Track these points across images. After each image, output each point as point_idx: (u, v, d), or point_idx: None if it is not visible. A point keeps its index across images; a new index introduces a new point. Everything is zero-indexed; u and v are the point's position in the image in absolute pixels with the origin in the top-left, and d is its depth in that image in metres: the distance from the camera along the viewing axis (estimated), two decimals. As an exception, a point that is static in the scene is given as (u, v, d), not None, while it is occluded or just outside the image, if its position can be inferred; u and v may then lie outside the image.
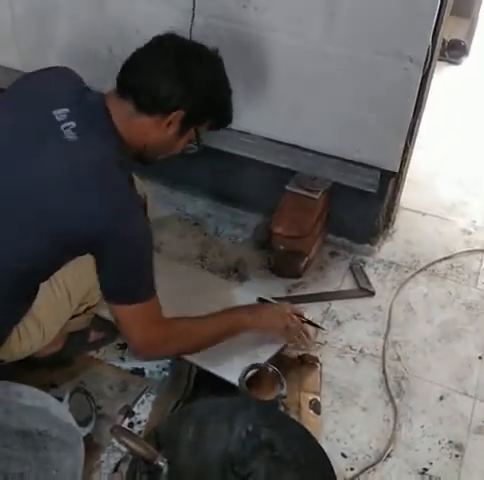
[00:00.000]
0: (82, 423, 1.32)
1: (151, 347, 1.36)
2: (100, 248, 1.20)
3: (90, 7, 1.77)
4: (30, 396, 1.35)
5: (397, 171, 1.78)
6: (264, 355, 1.47)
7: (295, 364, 1.57)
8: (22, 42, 2.02)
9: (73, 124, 1.20)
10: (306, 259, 1.84)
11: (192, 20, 1.73)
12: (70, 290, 1.35)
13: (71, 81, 1.33)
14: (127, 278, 1.25)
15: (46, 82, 1.32)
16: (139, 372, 1.55)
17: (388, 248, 1.99)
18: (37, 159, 1.19)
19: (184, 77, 1.25)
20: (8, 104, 1.30)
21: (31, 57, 2.01)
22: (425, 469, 1.39)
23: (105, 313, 1.56)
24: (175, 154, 1.40)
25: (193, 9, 1.72)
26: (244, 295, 1.69)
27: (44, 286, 1.30)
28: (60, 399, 1.34)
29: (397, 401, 1.52)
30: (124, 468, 1.30)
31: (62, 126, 1.20)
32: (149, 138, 1.29)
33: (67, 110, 1.22)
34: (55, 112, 1.21)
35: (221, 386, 1.44)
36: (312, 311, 1.72)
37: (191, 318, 1.42)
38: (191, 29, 1.75)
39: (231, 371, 1.41)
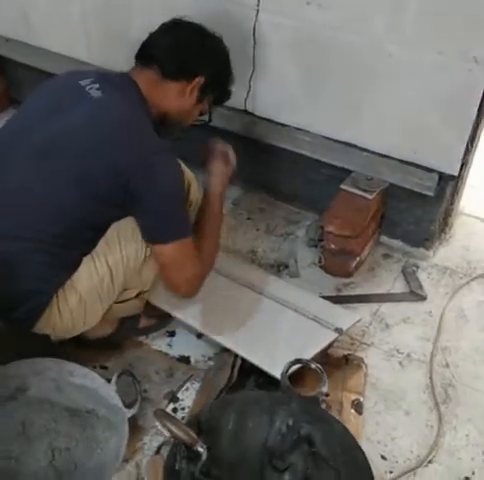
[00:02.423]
0: (128, 405, 1.36)
1: (192, 284, 1.46)
2: (132, 192, 1.29)
3: (161, 3, 1.81)
4: (81, 375, 1.41)
5: (457, 175, 1.74)
6: (308, 352, 1.47)
7: (340, 363, 1.57)
8: (91, 34, 2.10)
9: (97, 85, 1.37)
10: (357, 259, 1.83)
11: (256, 16, 1.75)
12: (112, 268, 1.40)
13: (93, 70, 1.58)
14: (163, 218, 1.34)
15: (72, 74, 1.49)
16: (185, 360, 1.58)
17: (443, 253, 1.95)
18: (67, 116, 1.33)
19: (204, 47, 1.46)
20: (41, 93, 1.45)
21: (99, 49, 2.08)
22: (467, 478, 1.36)
23: (156, 300, 1.61)
24: (187, 125, 1.53)
25: (257, 5, 1.74)
26: (293, 292, 1.70)
27: (86, 261, 1.36)
28: (108, 380, 1.38)
29: (442, 408, 1.49)
30: (165, 451, 1.33)
31: (87, 88, 1.37)
32: (172, 104, 1.44)
33: (92, 79, 1.40)
34: (81, 82, 1.40)
35: (264, 379, 1.46)
36: (361, 312, 1.70)
37: (200, 239, 1.46)
38: (254, 25, 1.77)
39: (274, 365, 1.42)
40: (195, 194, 1.56)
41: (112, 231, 1.38)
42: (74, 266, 1.36)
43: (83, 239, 1.36)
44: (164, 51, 1.43)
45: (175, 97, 1.45)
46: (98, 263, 1.38)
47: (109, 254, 1.38)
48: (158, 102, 1.43)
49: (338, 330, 1.55)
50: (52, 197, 1.32)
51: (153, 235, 1.37)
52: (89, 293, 1.39)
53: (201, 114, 1.57)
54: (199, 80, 1.45)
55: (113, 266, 1.39)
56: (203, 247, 1.46)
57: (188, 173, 1.54)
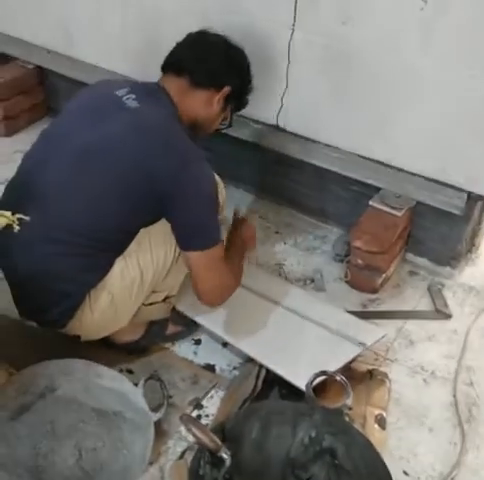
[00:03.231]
0: (154, 409, 1.39)
1: (218, 293, 1.48)
2: (168, 199, 1.34)
3: (195, 18, 1.86)
4: (109, 378, 1.44)
5: (486, 195, 1.76)
6: (332, 365, 1.49)
7: (364, 378, 1.58)
8: (129, 47, 2.16)
9: (133, 96, 1.41)
10: (384, 275, 1.84)
11: (291, 35, 1.79)
12: (143, 269, 1.43)
13: (127, 80, 1.63)
14: (197, 225, 1.38)
15: (107, 83, 1.55)
16: (210, 368, 1.60)
17: (470, 273, 1.95)
18: (106, 125, 1.37)
19: (231, 57, 1.52)
20: (79, 101, 1.51)
21: (136, 62, 2.14)
22: (489, 497, 1.36)
23: (183, 308, 1.64)
24: (212, 132, 1.60)
25: (293, 25, 1.78)
26: (318, 306, 1.72)
27: (118, 262, 1.40)
28: (135, 384, 1.41)
29: (466, 426, 1.49)
30: (189, 456, 1.35)
31: (123, 98, 1.42)
32: (201, 112, 1.50)
33: (127, 89, 1.45)
34: (117, 92, 1.44)
35: (288, 390, 1.47)
36: (386, 328, 1.71)
37: (227, 261, 1.48)
38: (289, 44, 1.81)
39: (299, 376, 1.44)
40: (222, 196, 1.58)
41: (143, 233, 1.41)
42: (107, 267, 1.39)
43: (116, 242, 1.40)
44: (194, 60, 1.48)
45: (204, 105, 1.50)
46: (130, 264, 1.41)
47: (140, 256, 1.42)
48: (188, 110, 1.47)
49: (361, 344, 1.56)
50: (89, 202, 1.36)
51: (187, 242, 1.40)
52: (120, 293, 1.42)
53: (223, 120, 1.61)
54: (227, 89, 1.50)
55: (144, 267, 1.42)
56: (234, 261, 1.52)
57: (217, 180, 1.57)
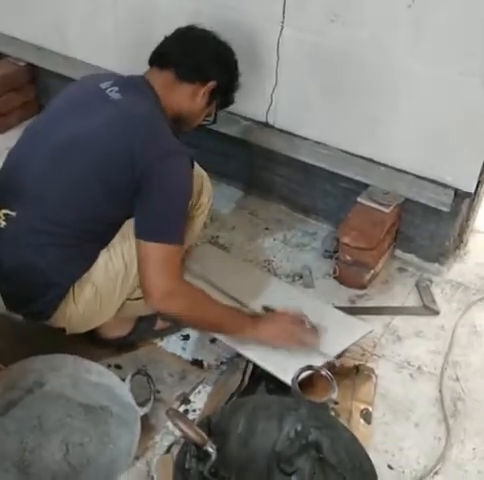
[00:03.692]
0: (141, 404, 1.39)
1: (163, 294, 1.36)
2: (142, 187, 1.33)
3: (187, 14, 1.87)
4: (97, 373, 1.44)
5: (473, 192, 1.76)
6: (320, 359, 1.50)
7: (350, 373, 1.59)
8: (121, 45, 2.16)
9: (116, 88, 1.42)
10: (372, 272, 1.85)
11: (281, 31, 1.80)
12: (127, 261, 1.43)
13: (113, 73, 1.63)
14: (158, 215, 1.35)
15: (92, 77, 1.55)
16: (198, 363, 1.61)
17: (458, 269, 1.97)
18: (89, 117, 1.38)
19: (218, 53, 1.53)
20: (65, 95, 1.52)
21: (128, 59, 2.14)
22: (473, 491, 1.37)
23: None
24: (194, 126, 1.60)
25: (282, 21, 1.79)
26: (306, 301, 1.73)
27: (103, 254, 1.41)
28: (123, 379, 1.42)
29: (451, 421, 1.50)
30: (175, 450, 1.35)
31: (107, 91, 1.43)
32: (185, 105, 1.50)
33: (111, 81, 1.46)
34: (101, 85, 1.45)
35: (275, 385, 1.48)
36: (373, 324, 1.72)
37: (206, 293, 1.45)
38: (279, 41, 1.82)
39: (285, 371, 1.44)
40: (207, 196, 1.59)
41: (128, 225, 1.41)
42: (92, 258, 1.40)
43: (100, 233, 1.41)
44: (180, 53, 1.49)
45: (188, 99, 1.50)
46: (114, 256, 1.42)
47: (125, 248, 1.42)
48: (172, 103, 1.47)
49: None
50: (72, 192, 1.36)
51: (140, 229, 1.37)
52: (104, 285, 1.43)
53: (207, 116, 1.62)
54: (212, 84, 1.50)
55: (128, 260, 1.42)
56: (201, 293, 1.43)
57: (202, 173, 1.59)
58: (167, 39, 1.54)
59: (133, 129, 1.36)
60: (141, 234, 1.37)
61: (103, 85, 1.44)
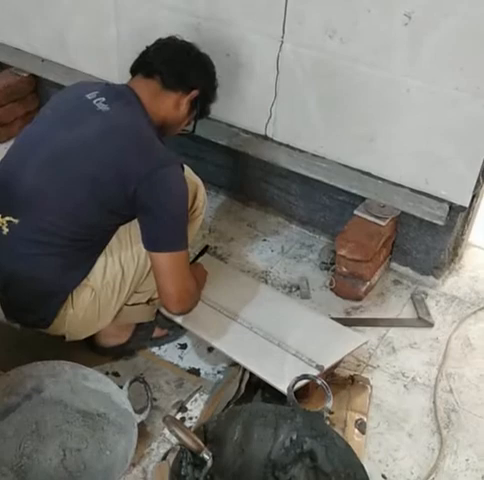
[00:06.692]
0: (138, 411, 1.41)
1: (179, 297, 1.46)
2: (138, 201, 1.35)
3: (187, 29, 1.91)
4: (95, 380, 1.46)
5: (467, 206, 1.79)
6: (316, 369, 1.51)
7: (346, 383, 1.61)
8: (123, 57, 2.19)
9: (103, 98, 1.43)
10: (367, 283, 1.87)
11: (280, 47, 1.84)
12: (124, 265, 1.46)
13: (97, 82, 1.66)
14: (163, 228, 1.38)
15: (78, 86, 1.57)
16: (195, 372, 1.63)
17: (452, 283, 1.99)
18: (77, 129, 1.39)
19: (199, 62, 1.57)
20: (53, 105, 1.53)
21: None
22: (465, 501, 1.38)
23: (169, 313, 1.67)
24: (174, 135, 1.62)
25: (282, 37, 1.82)
26: (303, 312, 1.75)
27: (100, 258, 1.43)
28: (120, 387, 1.43)
29: (444, 432, 1.52)
30: (172, 458, 1.36)
31: (94, 101, 1.44)
32: (170, 113, 1.52)
33: (97, 92, 1.46)
34: (88, 95, 1.46)
35: (271, 393, 1.50)
36: (368, 335, 1.74)
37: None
38: (278, 56, 1.85)
39: (281, 380, 1.46)
40: (202, 199, 1.61)
41: (124, 230, 1.44)
42: (89, 265, 1.43)
43: (94, 241, 1.43)
44: (165, 62, 1.50)
45: (172, 107, 1.52)
46: (110, 260, 1.44)
47: (122, 252, 1.45)
48: (157, 111, 1.49)
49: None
50: (66, 203, 1.38)
51: (150, 243, 1.40)
52: (102, 290, 1.45)
53: (187, 125, 1.63)
54: (195, 93, 1.53)
55: (125, 263, 1.45)
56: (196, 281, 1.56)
57: (195, 179, 1.61)
58: (149, 48, 1.56)
59: (125, 142, 1.37)
60: (150, 247, 1.41)
61: (89, 96, 1.44)
